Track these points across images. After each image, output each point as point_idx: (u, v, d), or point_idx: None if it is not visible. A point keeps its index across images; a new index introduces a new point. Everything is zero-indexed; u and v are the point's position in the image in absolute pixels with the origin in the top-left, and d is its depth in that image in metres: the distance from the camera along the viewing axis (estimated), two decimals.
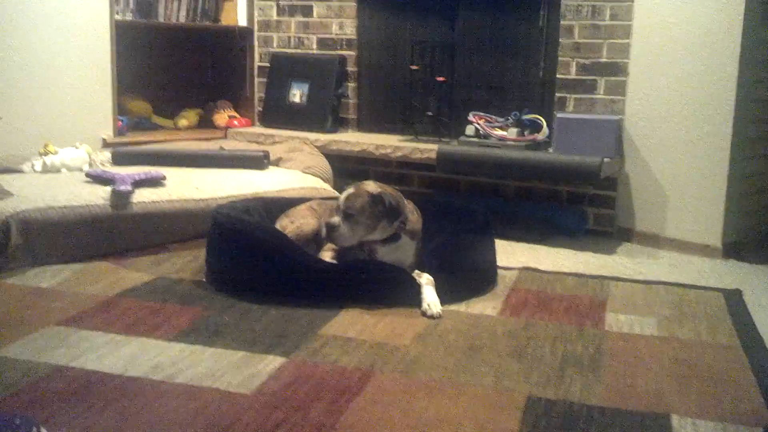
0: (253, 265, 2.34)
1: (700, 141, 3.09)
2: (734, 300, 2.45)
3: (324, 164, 3.57)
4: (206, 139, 3.95)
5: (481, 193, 3.60)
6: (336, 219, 2.32)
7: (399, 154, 3.53)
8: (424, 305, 2.24)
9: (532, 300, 2.41)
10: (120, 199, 2.80)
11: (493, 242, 2.65)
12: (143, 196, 2.88)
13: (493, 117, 3.48)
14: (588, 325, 2.20)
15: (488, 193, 3.59)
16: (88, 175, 3.01)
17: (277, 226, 2.61)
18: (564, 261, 2.93)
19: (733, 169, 3.05)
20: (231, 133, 4.06)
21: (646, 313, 2.30)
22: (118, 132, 3.81)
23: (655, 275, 2.75)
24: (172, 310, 2.21)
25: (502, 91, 3.61)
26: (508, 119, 3.42)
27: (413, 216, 2.45)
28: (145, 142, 3.76)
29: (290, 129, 3.98)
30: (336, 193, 3.32)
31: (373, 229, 2.34)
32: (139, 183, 2.94)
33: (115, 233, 2.76)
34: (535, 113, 3.42)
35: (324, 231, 2.35)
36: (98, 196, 2.79)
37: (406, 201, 2.45)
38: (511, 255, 2.97)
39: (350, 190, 2.35)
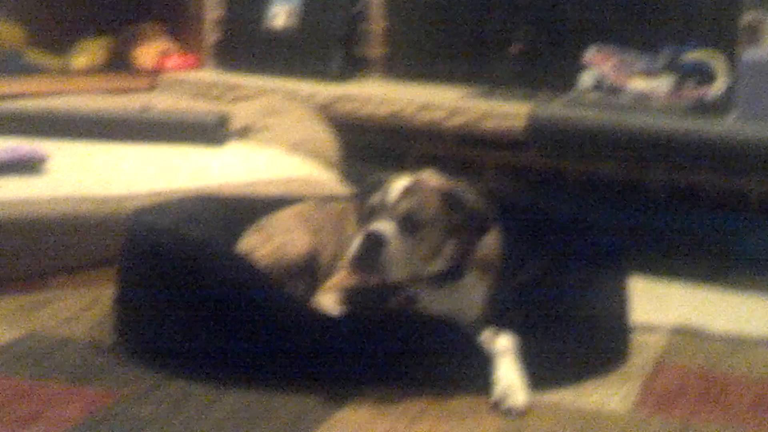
0: (197, 316, 2.36)
1: None
2: None
3: (325, 138, 3.59)
4: (119, 91, 3.98)
5: (605, 194, 3.59)
6: (386, 225, 2.29)
7: (460, 120, 3.54)
8: (498, 390, 2.23)
9: (693, 386, 2.40)
10: None
11: (626, 281, 2.64)
12: (6, 191, 2.91)
13: (630, 55, 3.47)
14: None
15: (619, 194, 3.58)
16: None
17: (244, 246, 2.62)
18: (754, 316, 2.91)
19: None
20: (164, 81, 4.10)
21: None
22: None
23: None
24: (55, 392, 2.22)
25: (646, 7, 3.60)
26: (656, 59, 3.41)
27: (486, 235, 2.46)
28: (15, 96, 3.79)
29: (268, 74, 4.01)
30: (344, 190, 3.33)
31: (435, 255, 2.35)
32: (1, 168, 2.98)
33: None
34: (704, 49, 3.40)
35: (354, 248, 2.29)
36: None
37: None
38: (659, 304, 2.95)
39: (403, 181, 2.35)
